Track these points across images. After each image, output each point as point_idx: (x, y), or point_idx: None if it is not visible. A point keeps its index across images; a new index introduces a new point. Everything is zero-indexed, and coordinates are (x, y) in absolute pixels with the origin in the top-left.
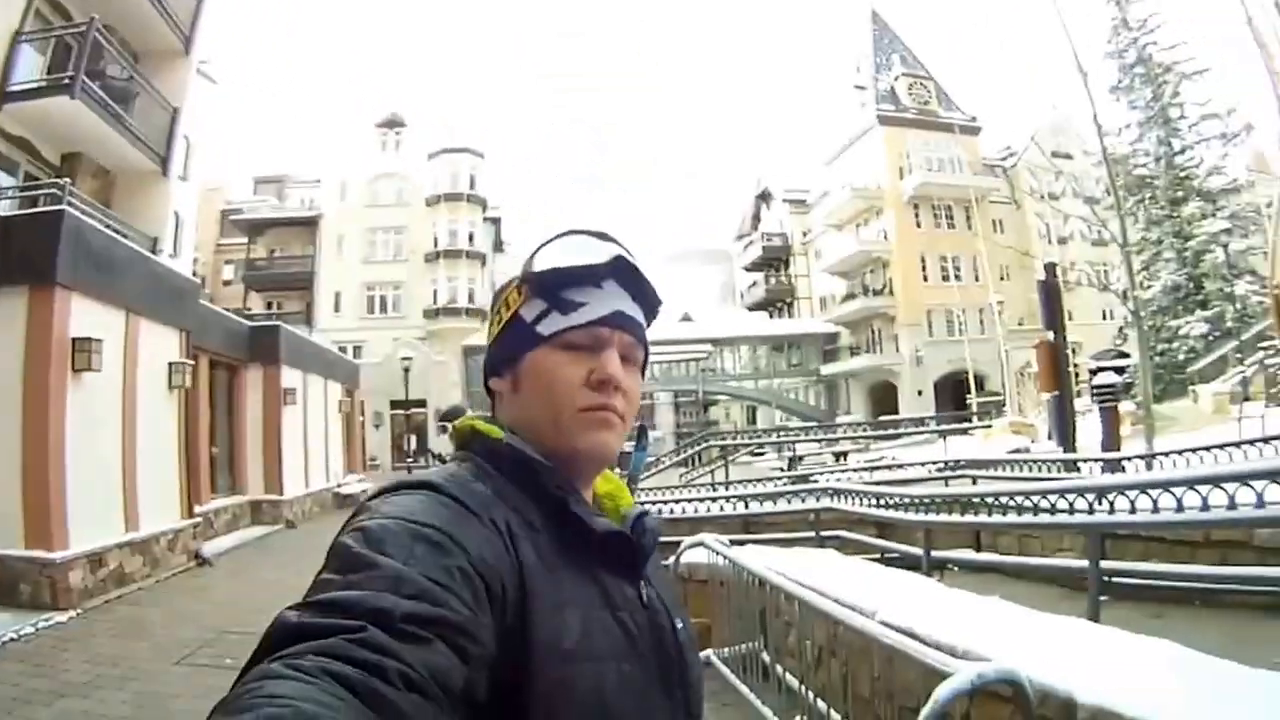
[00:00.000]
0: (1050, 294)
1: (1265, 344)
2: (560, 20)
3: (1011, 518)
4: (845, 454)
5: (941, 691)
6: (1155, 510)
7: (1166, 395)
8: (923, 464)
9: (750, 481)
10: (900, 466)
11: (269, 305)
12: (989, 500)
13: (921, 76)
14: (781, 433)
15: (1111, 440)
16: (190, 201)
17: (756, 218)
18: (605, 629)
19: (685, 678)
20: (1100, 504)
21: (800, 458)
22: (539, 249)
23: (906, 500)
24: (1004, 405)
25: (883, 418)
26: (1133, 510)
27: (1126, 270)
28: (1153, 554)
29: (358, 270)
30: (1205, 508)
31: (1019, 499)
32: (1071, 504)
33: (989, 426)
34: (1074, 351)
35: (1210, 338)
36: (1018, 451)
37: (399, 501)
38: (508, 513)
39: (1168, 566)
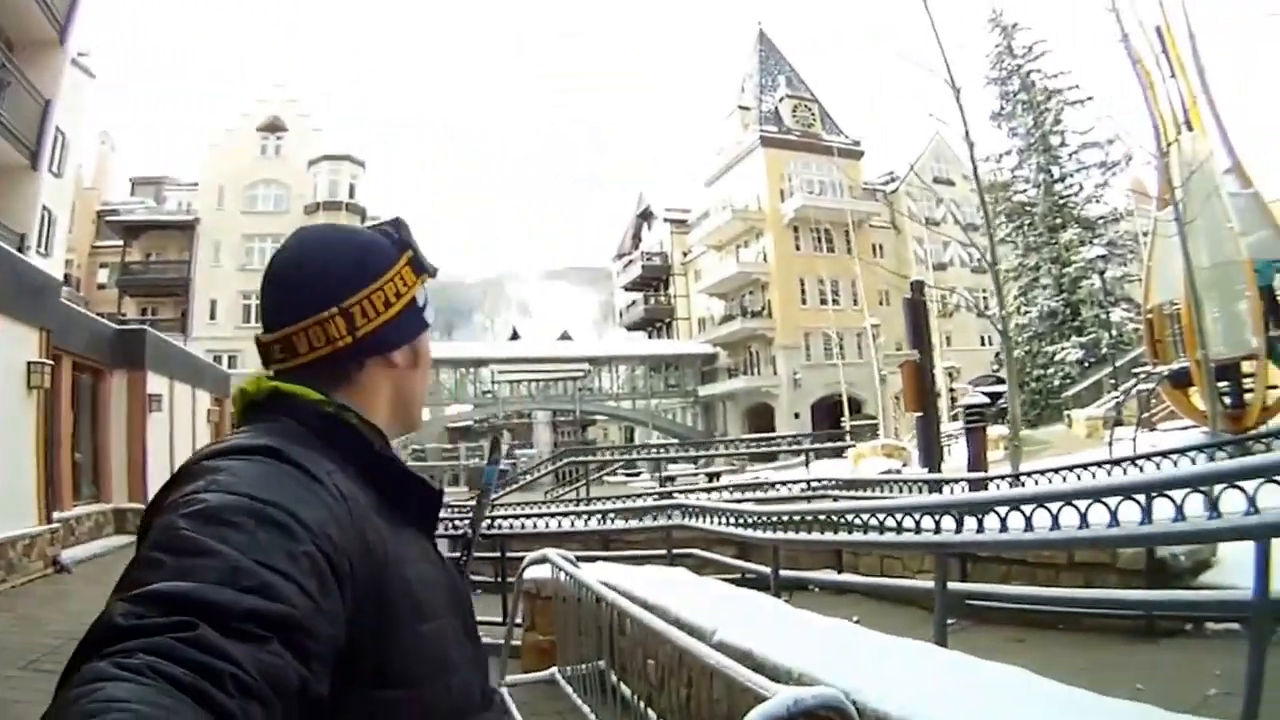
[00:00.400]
0: (916, 313)
1: (1138, 370)
2: (419, 36)
3: (856, 536)
4: (719, 474)
5: (752, 716)
6: (1003, 529)
7: (1042, 420)
8: (788, 483)
9: (610, 499)
10: (771, 485)
11: (144, 311)
12: (834, 518)
13: (806, 99)
14: (650, 450)
15: (978, 461)
16: (63, 198)
17: (637, 236)
18: (434, 583)
19: (477, 630)
20: (945, 523)
21: (672, 478)
22: (410, 237)
23: (754, 518)
24: (878, 428)
25: (746, 435)
26: (979, 529)
27: (996, 293)
28: (1015, 576)
29: (234, 278)
30: (1055, 526)
31: (864, 517)
32: (918, 523)
33: (853, 448)
34: (953, 376)
35: (1086, 364)
36: (888, 473)
37: (239, 470)
38: (346, 477)
39: (1030, 590)
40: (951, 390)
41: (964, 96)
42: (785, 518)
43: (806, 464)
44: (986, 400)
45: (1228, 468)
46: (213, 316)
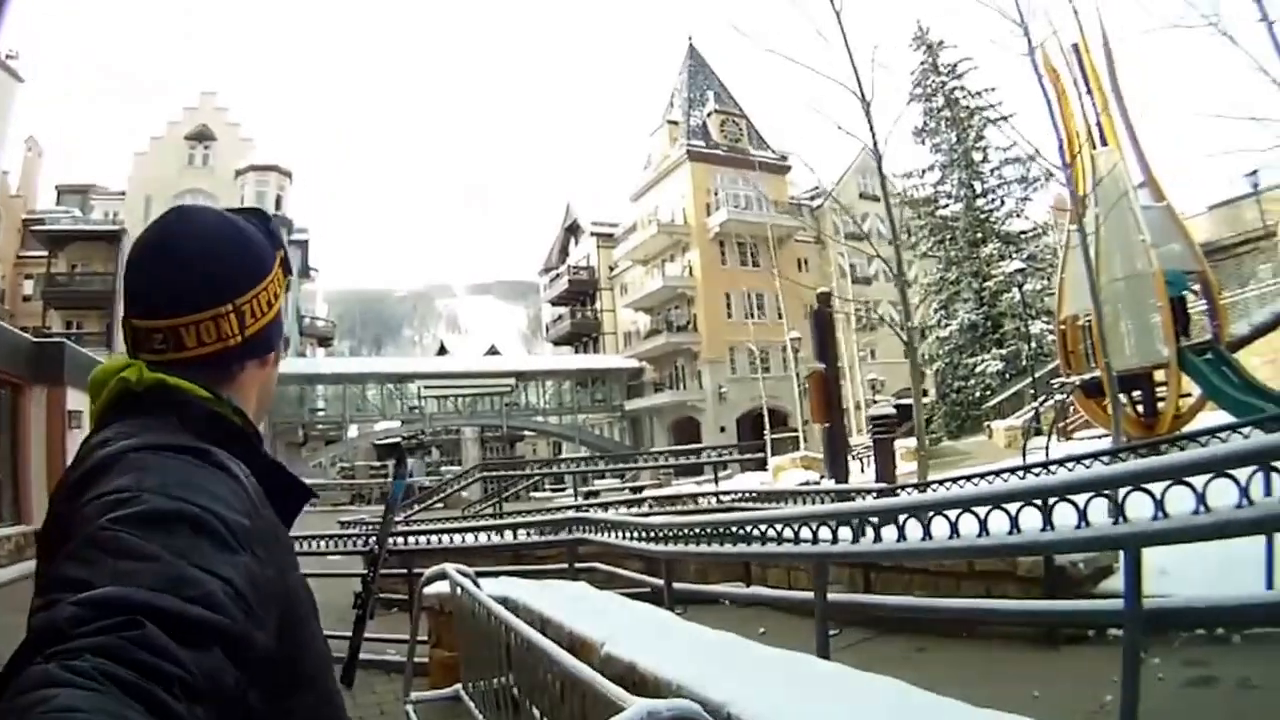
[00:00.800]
0: (821, 326)
1: (1056, 380)
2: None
3: (740, 547)
4: (642, 489)
5: None
6: (877, 539)
7: (965, 431)
8: (702, 495)
9: (523, 513)
10: (685, 499)
11: (69, 325)
12: (717, 530)
13: (734, 114)
14: (570, 464)
15: (886, 471)
16: None
17: (565, 250)
18: (305, 582)
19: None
20: (840, 533)
21: (596, 493)
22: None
23: (647, 532)
24: (799, 441)
25: (666, 449)
26: (855, 540)
27: (903, 306)
28: (919, 586)
29: None
30: (926, 537)
31: (748, 529)
32: (796, 533)
33: (773, 460)
34: (876, 388)
35: (1007, 375)
36: (806, 484)
37: (169, 470)
38: (253, 477)
39: (909, 600)
40: (875, 402)
41: (887, 112)
42: (675, 531)
43: (715, 479)
44: (893, 412)
45: (1086, 476)
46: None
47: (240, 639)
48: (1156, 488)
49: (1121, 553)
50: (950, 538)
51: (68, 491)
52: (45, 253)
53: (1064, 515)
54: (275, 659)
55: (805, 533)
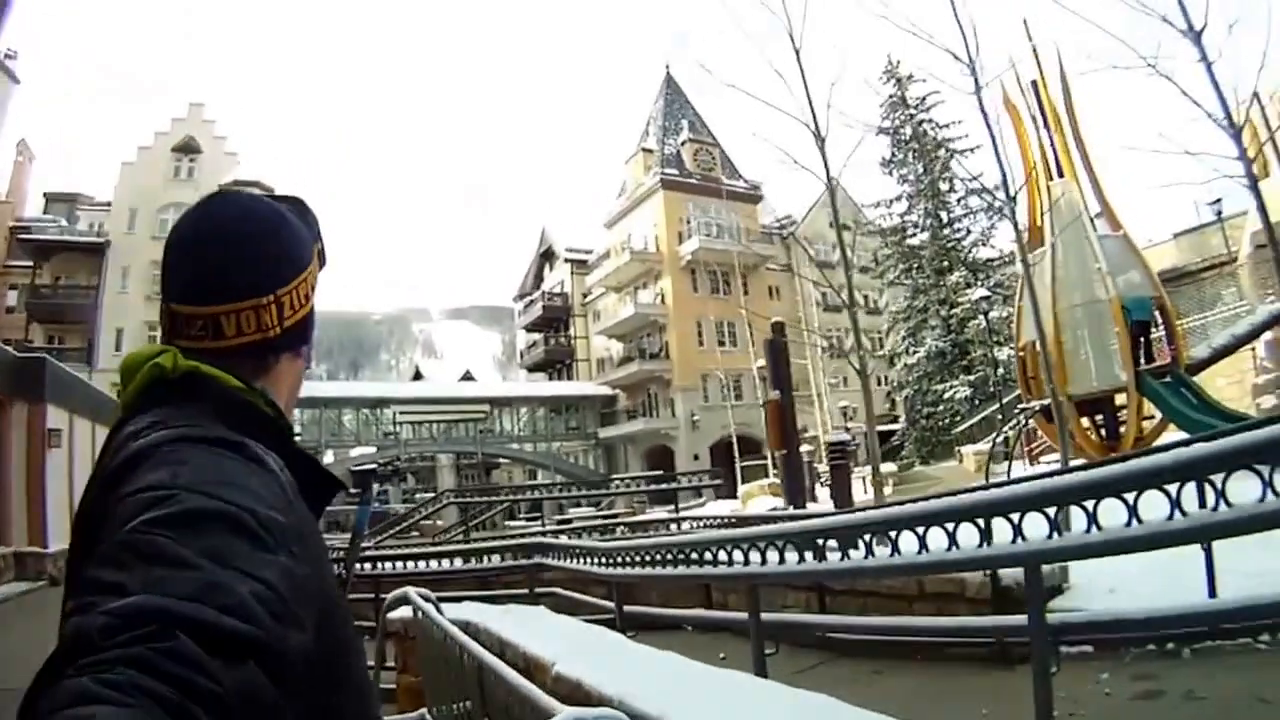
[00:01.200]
0: (776, 354)
1: (1019, 406)
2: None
3: (680, 570)
4: (615, 516)
5: None
6: (819, 559)
7: (935, 456)
8: (672, 522)
9: (488, 539)
10: (650, 526)
11: (50, 339)
12: (659, 554)
13: (707, 143)
14: (540, 490)
15: (843, 496)
16: None
17: (539, 276)
18: (334, 574)
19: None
20: (754, 554)
21: (569, 520)
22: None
23: (595, 556)
24: (768, 468)
25: (634, 476)
26: (799, 560)
27: (854, 333)
28: (872, 608)
29: (142, 307)
30: (868, 555)
31: (687, 552)
32: (730, 555)
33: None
34: (847, 415)
35: (976, 400)
36: (773, 510)
37: (205, 464)
38: (286, 470)
39: (882, 620)
40: (847, 429)
41: (851, 143)
42: (622, 556)
43: (676, 506)
44: (848, 438)
45: (986, 499)
46: (118, 347)
47: (276, 651)
48: (1088, 509)
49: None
50: (865, 558)
51: (103, 483)
52: (30, 263)
53: (1002, 532)
54: (315, 659)
55: (738, 555)
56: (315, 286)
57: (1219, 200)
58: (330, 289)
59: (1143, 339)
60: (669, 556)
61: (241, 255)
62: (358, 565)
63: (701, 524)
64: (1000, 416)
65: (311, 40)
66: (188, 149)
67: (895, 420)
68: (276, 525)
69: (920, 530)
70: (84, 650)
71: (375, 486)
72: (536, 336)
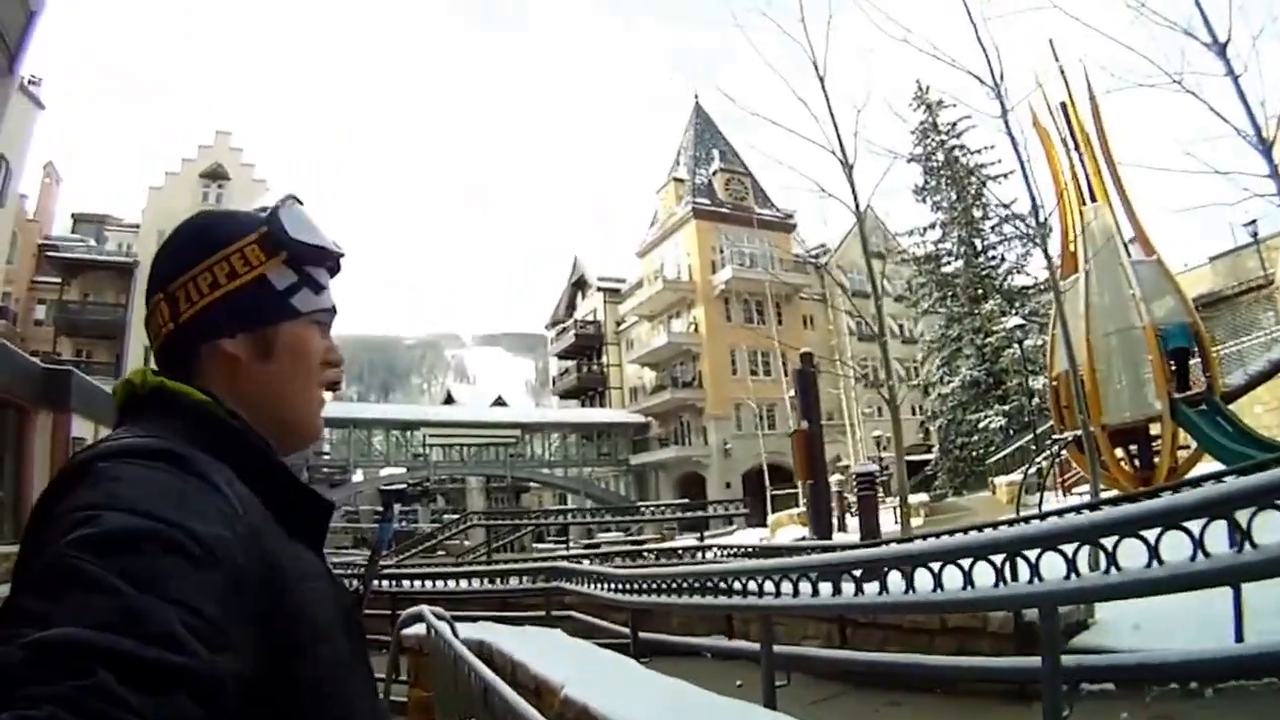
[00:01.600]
0: (805, 384)
1: (1052, 437)
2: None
3: (697, 599)
4: (643, 542)
5: None
6: (815, 594)
7: (968, 487)
8: (691, 549)
9: (508, 561)
10: (675, 552)
11: (79, 352)
12: (677, 583)
13: (739, 172)
14: (568, 515)
15: (870, 527)
16: (2, 229)
17: (572, 304)
18: (328, 600)
19: (366, 650)
20: (767, 585)
21: (596, 544)
22: (281, 212)
23: (615, 582)
24: (798, 497)
25: (662, 502)
26: (813, 593)
27: (883, 361)
28: (893, 642)
29: None
30: (882, 591)
31: (704, 581)
32: (745, 586)
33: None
34: (881, 445)
35: (1011, 430)
36: (801, 539)
37: (138, 479)
38: (240, 485)
39: (896, 657)
40: (880, 458)
41: (880, 171)
42: (640, 583)
43: (701, 535)
44: (875, 469)
45: (1001, 537)
46: (146, 363)
47: (207, 679)
48: (1107, 542)
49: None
50: (880, 594)
51: (42, 499)
52: (59, 279)
53: (1021, 569)
54: (270, 683)
55: (752, 585)
56: (238, 272)
57: (1254, 221)
58: (362, 313)
59: (1178, 367)
60: (683, 585)
61: (154, 264)
62: (377, 582)
63: (726, 552)
64: (1034, 447)
65: (351, 58)
66: (215, 175)
67: (929, 450)
68: (217, 541)
69: (936, 567)
70: (4, 685)
71: (398, 506)
72: (569, 364)
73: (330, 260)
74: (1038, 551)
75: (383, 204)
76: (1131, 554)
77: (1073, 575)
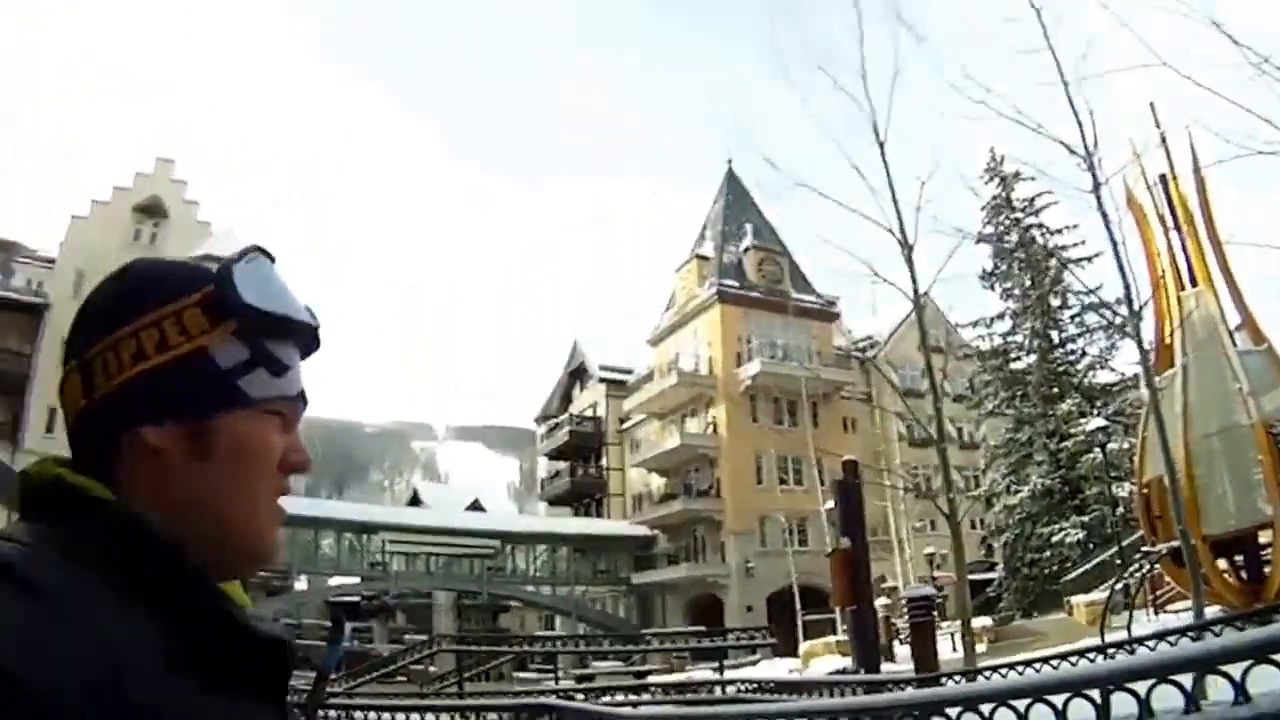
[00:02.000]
0: (848, 496)
1: (1142, 550)
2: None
3: None
4: (647, 673)
5: None
6: None
7: (1038, 608)
8: (709, 684)
9: (488, 694)
10: (706, 686)
11: None
12: None
13: (774, 251)
14: (560, 641)
15: (926, 658)
16: None
17: (568, 397)
18: None
19: None
20: None
21: (591, 676)
22: (236, 268)
23: None
24: (836, 623)
25: (673, 630)
26: None
27: (943, 471)
28: None
29: None
30: None
31: None
32: None
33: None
34: (934, 563)
35: (1090, 545)
36: (840, 672)
37: None
38: (129, 617)
39: None
40: (934, 579)
41: (946, 252)
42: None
43: (720, 666)
44: (932, 592)
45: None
46: (49, 428)
47: None
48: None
49: None
50: None
51: None
52: None
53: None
54: None
55: None
56: (170, 342)
57: None
58: (314, 391)
59: None
60: None
61: (75, 319)
62: (321, 712)
63: (753, 688)
64: (1119, 562)
65: (325, 128)
66: (151, 210)
67: (991, 568)
68: (36, 680)
69: (1022, 706)
70: None
71: (350, 624)
72: (561, 465)
73: (299, 334)
74: (1149, 684)
75: (347, 269)
76: (1262, 682)
77: (1191, 709)
